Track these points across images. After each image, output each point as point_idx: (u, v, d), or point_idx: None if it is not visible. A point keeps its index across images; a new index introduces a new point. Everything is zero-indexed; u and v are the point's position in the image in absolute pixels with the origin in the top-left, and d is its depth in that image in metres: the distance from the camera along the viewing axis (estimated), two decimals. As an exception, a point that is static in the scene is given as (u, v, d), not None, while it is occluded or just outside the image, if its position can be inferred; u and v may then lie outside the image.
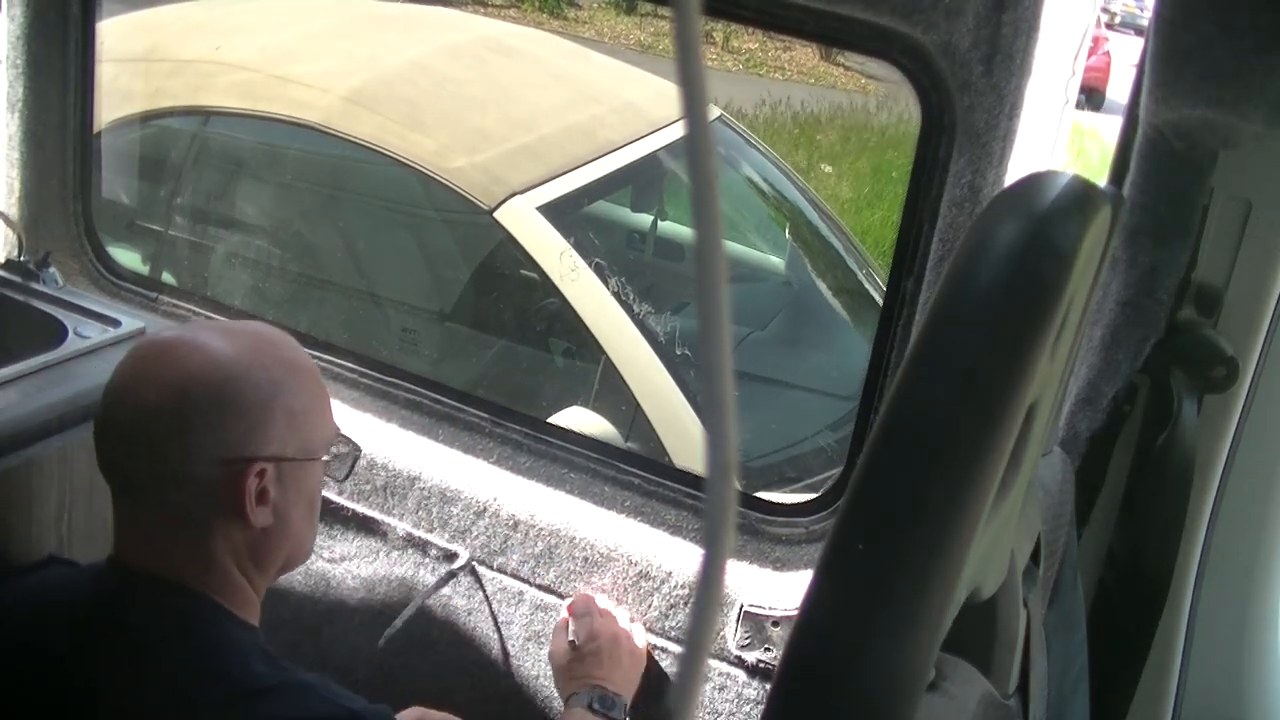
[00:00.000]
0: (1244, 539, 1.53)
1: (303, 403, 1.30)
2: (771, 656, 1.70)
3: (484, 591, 1.86)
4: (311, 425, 1.31)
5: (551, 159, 3.09)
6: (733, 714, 1.74)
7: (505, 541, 1.83)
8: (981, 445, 0.67)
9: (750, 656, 1.71)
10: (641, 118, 3.35)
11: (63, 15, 1.98)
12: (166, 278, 3.23)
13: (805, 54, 10.29)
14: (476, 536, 1.85)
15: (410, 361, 2.95)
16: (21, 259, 1.96)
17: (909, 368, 0.69)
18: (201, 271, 3.26)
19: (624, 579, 1.77)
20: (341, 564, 1.90)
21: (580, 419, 2.67)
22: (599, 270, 2.84)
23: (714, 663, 1.73)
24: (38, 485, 1.58)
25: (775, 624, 1.70)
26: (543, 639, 1.84)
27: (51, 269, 1.96)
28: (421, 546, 1.88)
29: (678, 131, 3.10)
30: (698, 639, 0.47)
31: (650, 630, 1.77)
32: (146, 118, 3.18)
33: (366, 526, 1.89)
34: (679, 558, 1.77)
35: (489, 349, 3.07)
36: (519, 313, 3.05)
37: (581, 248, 2.89)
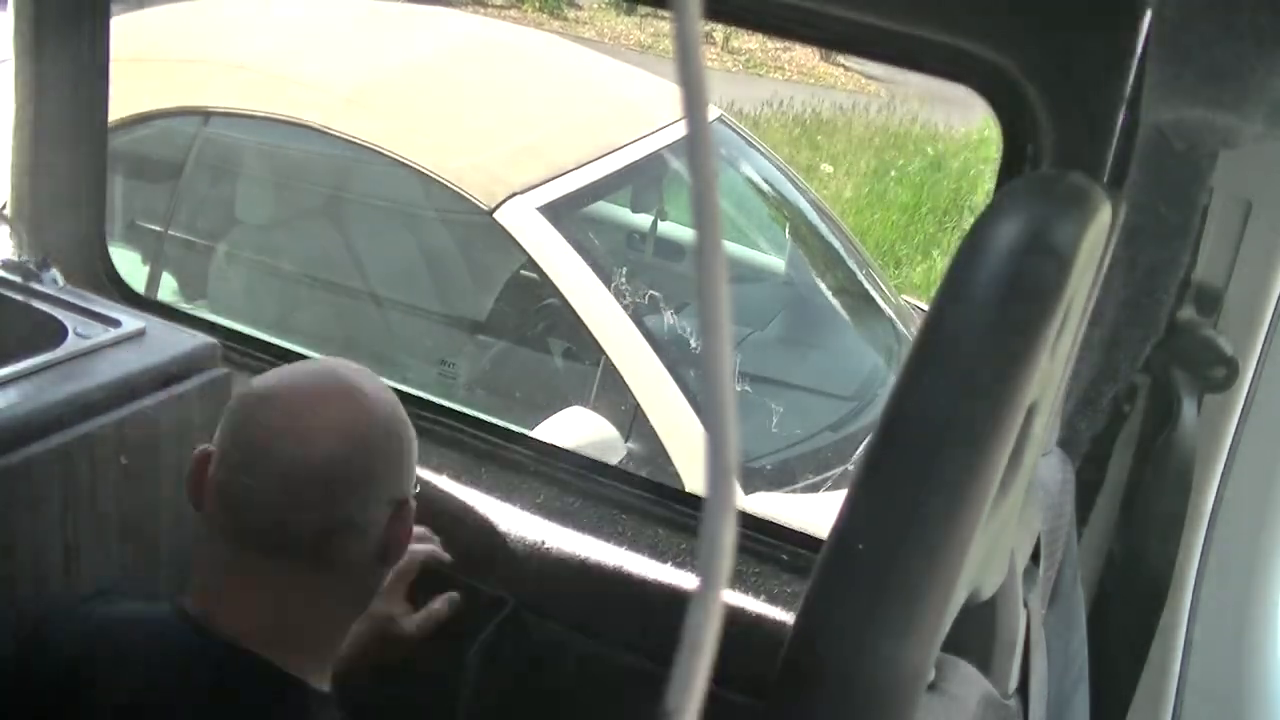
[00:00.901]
0: (1244, 539, 1.53)
1: (412, 432, 1.30)
2: (769, 670, 1.66)
3: (532, 639, 1.76)
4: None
5: (552, 159, 3.09)
6: None
7: (554, 586, 1.73)
8: (981, 445, 0.67)
9: (748, 672, 1.66)
10: (641, 118, 3.35)
11: (75, 21, 1.96)
12: (166, 278, 3.24)
13: (805, 54, 10.28)
14: (524, 582, 1.74)
15: (436, 379, 2.93)
16: (22, 259, 1.96)
17: (909, 367, 0.69)
18: (201, 272, 3.26)
19: (673, 621, 1.68)
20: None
21: (580, 419, 2.67)
22: (606, 273, 2.84)
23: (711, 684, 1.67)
24: (39, 485, 1.58)
25: (776, 637, 1.66)
26: (593, 689, 1.74)
27: (52, 269, 1.96)
28: (467, 592, 1.77)
29: (678, 131, 3.10)
30: (695, 648, 0.47)
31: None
32: (146, 118, 3.18)
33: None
34: (742, 606, 1.64)
35: (489, 349, 3.07)
36: (519, 312, 3.05)
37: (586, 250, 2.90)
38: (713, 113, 2.99)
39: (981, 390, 0.67)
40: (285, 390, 1.25)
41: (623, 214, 3.50)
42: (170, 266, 3.29)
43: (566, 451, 1.96)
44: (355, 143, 3.05)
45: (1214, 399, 1.46)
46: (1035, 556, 1.11)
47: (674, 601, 1.69)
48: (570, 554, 1.75)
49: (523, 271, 2.97)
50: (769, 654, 1.67)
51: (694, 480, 2.52)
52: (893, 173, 7.72)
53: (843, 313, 3.49)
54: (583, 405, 2.77)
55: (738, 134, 3.78)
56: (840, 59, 10.04)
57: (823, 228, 3.77)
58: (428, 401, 2.00)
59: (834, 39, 1.53)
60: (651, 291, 2.90)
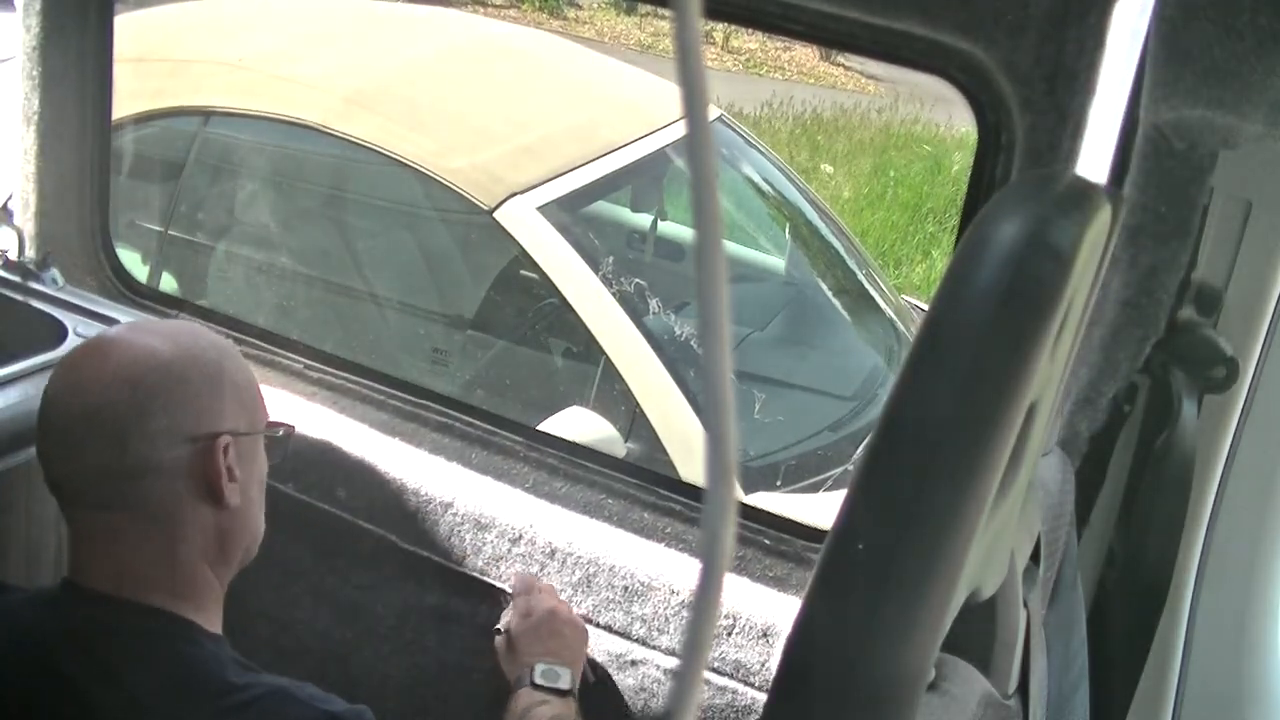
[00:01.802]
0: (1244, 539, 1.53)
1: (244, 378, 1.32)
2: (770, 667, 1.67)
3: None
4: (255, 400, 1.33)
5: (551, 159, 3.09)
6: None
7: (541, 570, 1.77)
8: (981, 445, 0.67)
9: (749, 667, 1.69)
10: (641, 117, 3.35)
11: (80, 26, 1.96)
12: (166, 278, 3.24)
13: (805, 54, 10.29)
14: (511, 564, 1.79)
15: (435, 380, 2.93)
16: (22, 259, 1.96)
17: (909, 368, 0.69)
18: (201, 273, 3.26)
19: (666, 608, 1.72)
20: (370, 591, 1.84)
21: (579, 419, 2.67)
22: (609, 276, 2.83)
23: (710, 675, 1.69)
24: (38, 485, 1.58)
25: (775, 635, 1.67)
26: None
27: (52, 269, 1.96)
28: (454, 574, 1.82)
29: (678, 131, 3.10)
30: (695, 645, 0.47)
31: None
32: (146, 118, 3.18)
33: (397, 554, 1.84)
34: (725, 588, 1.67)
35: (488, 349, 3.07)
36: (518, 312, 3.05)
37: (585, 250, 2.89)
38: (713, 113, 2.99)
39: (981, 390, 0.67)
40: (81, 348, 1.30)
41: (623, 214, 3.51)
42: (170, 266, 3.29)
43: (555, 437, 1.99)
44: (355, 143, 3.05)
45: (1214, 399, 1.46)
46: (1035, 556, 1.11)
47: (658, 583, 1.72)
48: (558, 537, 1.78)
49: (522, 271, 2.97)
50: (754, 636, 1.69)
51: (693, 480, 2.53)
52: (893, 173, 7.72)
53: (843, 312, 3.49)
54: (582, 405, 2.77)
55: (738, 134, 3.78)
56: (841, 59, 10.04)
57: (823, 227, 3.77)
58: (418, 388, 2.02)
59: (813, 33, 1.55)
60: (649, 290, 2.90)
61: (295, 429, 1.44)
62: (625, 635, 1.76)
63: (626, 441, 2.71)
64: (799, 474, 2.89)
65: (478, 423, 1.93)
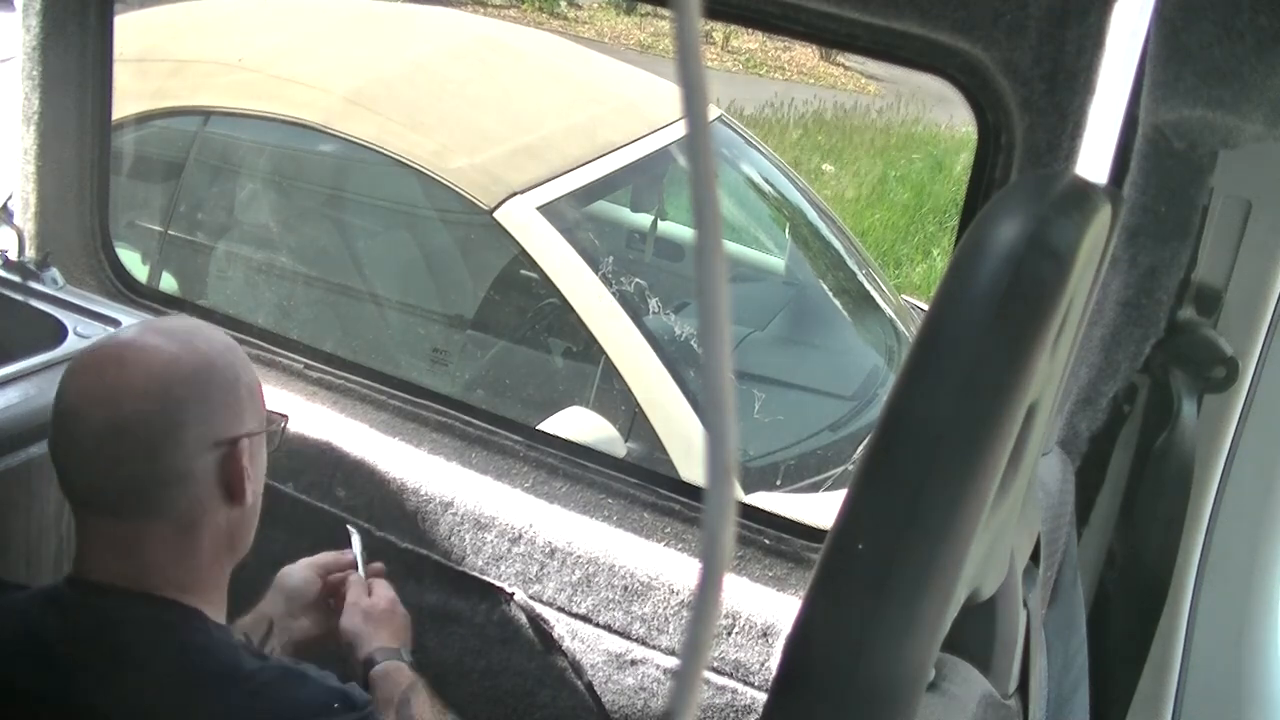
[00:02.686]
0: (1244, 539, 1.53)
1: (252, 377, 1.34)
2: (770, 667, 1.68)
3: (519, 620, 1.81)
4: (260, 398, 1.35)
5: (551, 159, 3.09)
6: None
7: (541, 569, 1.78)
8: (981, 445, 0.67)
9: (749, 666, 1.69)
10: (641, 118, 3.35)
11: (80, 26, 1.96)
12: (166, 278, 3.24)
13: (805, 54, 10.29)
14: (511, 564, 1.80)
15: (435, 380, 2.93)
16: (22, 259, 1.96)
17: (909, 367, 0.69)
18: (201, 273, 3.26)
19: (665, 608, 1.73)
20: None
21: (579, 419, 2.67)
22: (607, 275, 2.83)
23: (710, 675, 1.69)
24: (38, 485, 1.58)
25: (775, 635, 1.68)
26: (580, 669, 1.79)
27: (52, 269, 1.96)
28: (455, 574, 1.83)
29: (677, 130, 3.10)
30: (695, 645, 0.47)
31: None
32: (146, 118, 3.18)
33: (397, 553, 1.84)
34: (725, 587, 1.68)
35: (488, 349, 3.07)
36: (518, 312, 3.05)
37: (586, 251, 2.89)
38: (713, 113, 2.99)
39: (981, 390, 0.67)
40: (95, 355, 1.29)
41: (623, 213, 3.50)
42: (170, 266, 3.29)
43: (555, 437, 1.99)
44: (355, 143, 3.05)
45: (1214, 399, 1.46)
46: (1035, 556, 1.11)
47: (658, 583, 1.72)
48: (558, 537, 1.79)
49: (522, 271, 2.97)
50: (754, 635, 1.69)
51: (693, 480, 2.52)
52: (893, 173, 7.72)
53: (843, 312, 3.49)
54: (582, 405, 2.77)
55: (738, 134, 3.78)
56: (841, 59, 10.04)
57: (823, 227, 3.77)
58: (418, 388, 2.02)
59: (813, 33, 1.56)
60: (649, 290, 2.90)
61: (289, 417, 1.46)
62: (625, 635, 1.76)
63: (626, 441, 2.71)
64: (799, 474, 2.88)
65: (477, 422, 1.93)
